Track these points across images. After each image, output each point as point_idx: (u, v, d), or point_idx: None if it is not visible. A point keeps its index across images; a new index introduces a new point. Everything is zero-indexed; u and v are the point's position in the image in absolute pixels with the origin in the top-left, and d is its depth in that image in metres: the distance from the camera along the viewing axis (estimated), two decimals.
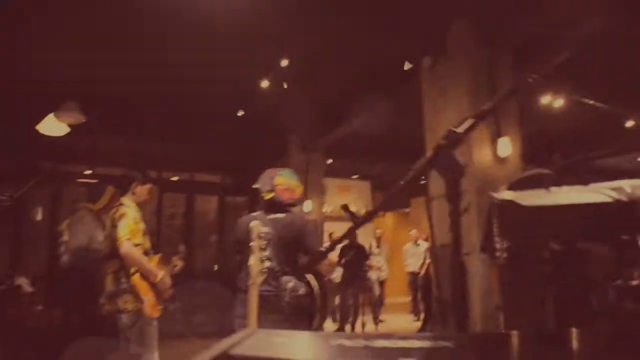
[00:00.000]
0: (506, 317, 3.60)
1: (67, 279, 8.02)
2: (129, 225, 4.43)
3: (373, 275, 12.94)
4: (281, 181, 4.18)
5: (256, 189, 4.29)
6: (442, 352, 1.00)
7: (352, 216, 4.12)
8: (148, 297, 4.43)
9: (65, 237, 11.62)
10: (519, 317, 3.24)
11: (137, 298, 4.38)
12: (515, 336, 1.07)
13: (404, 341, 1.09)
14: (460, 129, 1.24)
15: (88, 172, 11.34)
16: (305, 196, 11.78)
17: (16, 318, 7.18)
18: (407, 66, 6.92)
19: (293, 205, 4.23)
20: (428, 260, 12.13)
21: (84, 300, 4.76)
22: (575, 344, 0.99)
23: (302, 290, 3.87)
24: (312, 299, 3.94)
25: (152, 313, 4.47)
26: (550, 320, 0.97)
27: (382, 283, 13.41)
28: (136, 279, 4.40)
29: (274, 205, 4.15)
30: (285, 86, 8.58)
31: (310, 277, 3.99)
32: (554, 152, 3.64)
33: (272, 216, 4.11)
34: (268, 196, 4.15)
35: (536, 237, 0.93)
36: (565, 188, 0.93)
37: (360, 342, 1.10)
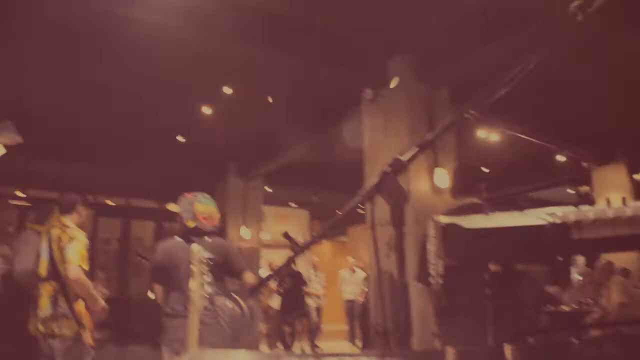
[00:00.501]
0: (442, 342, 3.70)
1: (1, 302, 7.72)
2: (80, 250, 4.28)
3: (311, 302, 12.96)
4: (202, 209, 4.22)
5: (176, 213, 4.30)
6: None
7: (294, 243, 4.18)
8: (88, 325, 4.32)
9: None
10: (453, 340, 3.33)
11: (80, 324, 4.26)
12: (452, 353, 1.13)
13: (351, 358, 1.13)
14: (404, 157, 1.31)
15: (20, 194, 11.00)
16: (243, 223, 11.77)
17: None
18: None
19: (213, 232, 4.24)
20: (366, 289, 12.23)
21: (23, 324, 4.56)
22: (510, 358, 1.06)
23: (237, 311, 3.93)
24: (244, 319, 4.00)
25: (91, 341, 4.36)
26: (489, 337, 1.03)
27: (319, 310, 13.44)
28: (80, 305, 4.28)
29: (195, 232, 4.16)
30: (271, 100, 8.55)
31: (238, 299, 4.07)
32: (481, 182, 3.80)
33: (199, 241, 4.06)
34: (192, 224, 4.16)
35: (477, 259, 0.99)
36: (503, 214, 1.00)
37: None
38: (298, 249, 4.16)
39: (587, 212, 0.97)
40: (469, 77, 6.43)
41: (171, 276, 4.10)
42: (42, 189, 10.88)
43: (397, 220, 1.33)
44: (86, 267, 4.30)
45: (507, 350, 1.03)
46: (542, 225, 0.92)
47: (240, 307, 4.00)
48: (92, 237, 11.27)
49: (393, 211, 1.32)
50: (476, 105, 1.34)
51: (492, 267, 1.08)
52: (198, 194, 4.33)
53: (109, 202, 12.21)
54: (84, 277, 4.23)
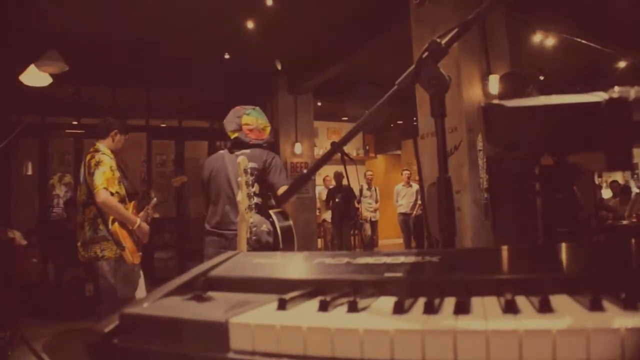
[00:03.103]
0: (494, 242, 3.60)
1: (62, 230, 8.00)
2: (106, 173, 4.36)
3: (364, 216, 13.03)
4: (248, 121, 3.97)
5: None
6: (428, 267, 0.98)
7: (342, 153, 3.99)
8: (128, 244, 4.43)
9: (57, 191, 11.45)
10: (504, 239, 3.23)
11: (118, 245, 4.38)
12: (503, 250, 1.05)
13: (389, 257, 1.05)
14: (442, 40, 1.20)
15: (74, 123, 11.18)
16: (295, 139, 11.77)
17: (11, 271, 7.16)
18: None
19: (258, 145, 3.98)
20: (419, 202, 12.22)
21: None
22: (563, 257, 0.97)
23: (264, 227, 3.63)
24: (275, 237, 3.70)
25: (134, 260, 4.48)
26: (539, 235, 0.95)
27: (374, 224, 13.50)
28: (116, 226, 4.39)
29: (237, 144, 3.98)
30: (279, 67, 8.48)
31: (275, 216, 3.77)
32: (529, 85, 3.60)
33: (239, 152, 3.88)
34: (233, 135, 3.96)
35: (523, 145, 0.89)
36: (552, 96, 0.89)
37: (344, 260, 1.07)
38: (346, 159, 3.98)
39: None
40: None
41: (210, 189, 4.03)
42: (96, 116, 11.00)
43: (438, 111, 1.22)
44: (113, 190, 4.35)
45: (559, 249, 0.94)
46: (596, 102, 0.81)
47: (272, 225, 3.73)
48: (148, 160, 11.48)
49: (432, 100, 1.21)
50: None
51: (544, 160, 0.98)
52: (248, 107, 4.07)
53: (162, 125, 12.33)
54: (110, 200, 4.30)
